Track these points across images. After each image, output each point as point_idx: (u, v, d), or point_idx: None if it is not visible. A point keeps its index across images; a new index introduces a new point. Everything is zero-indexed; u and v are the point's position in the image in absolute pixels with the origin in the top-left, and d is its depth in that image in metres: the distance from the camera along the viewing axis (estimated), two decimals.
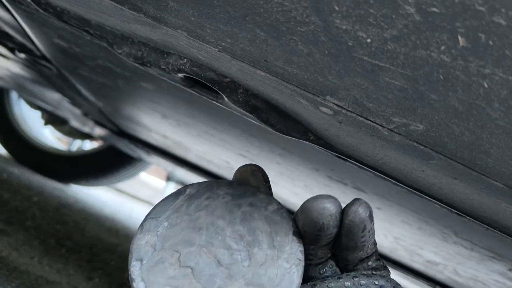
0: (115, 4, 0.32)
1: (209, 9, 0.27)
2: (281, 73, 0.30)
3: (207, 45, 0.31)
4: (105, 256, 1.00)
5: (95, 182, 2.16)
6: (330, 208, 0.35)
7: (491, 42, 0.22)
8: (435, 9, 0.22)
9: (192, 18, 0.29)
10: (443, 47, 0.23)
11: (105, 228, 1.38)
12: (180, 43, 0.34)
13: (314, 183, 0.72)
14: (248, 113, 0.43)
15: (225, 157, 0.89)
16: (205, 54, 0.34)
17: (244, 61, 0.31)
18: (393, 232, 0.80)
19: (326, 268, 0.41)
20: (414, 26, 0.23)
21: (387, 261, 1.23)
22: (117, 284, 0.81)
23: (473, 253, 0.64)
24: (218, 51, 0.31)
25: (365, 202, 0.37)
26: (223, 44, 0.30)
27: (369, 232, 0.38)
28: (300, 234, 0.38)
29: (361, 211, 0.36)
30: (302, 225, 0.37)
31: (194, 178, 1.58)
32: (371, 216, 0.37)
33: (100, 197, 2.29)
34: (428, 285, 1.25)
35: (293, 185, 0.82)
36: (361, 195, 0.63)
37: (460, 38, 0.23)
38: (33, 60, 0.85)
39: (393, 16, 0.23)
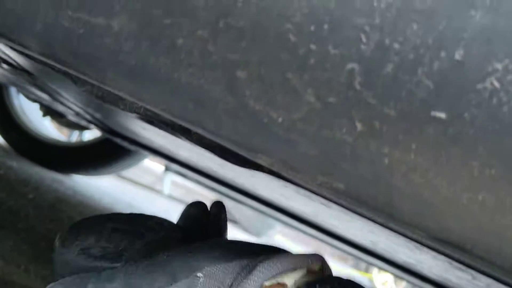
0: (62, 68, 0.34)
1: (142, 83, 0.29)
2: (216, 133, 0.32)
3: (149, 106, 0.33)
4: None
5: (95, 172, 2.20)
6: None
7: (384, 129, 0.24)
8: (332, 99, 0.24)
9: (130, 87, 0.31)
10: (344, 129, 0.25)
11: None
12: (128, 98, 0.36)
13: (289, 194, 0.74)
14: (205, 150, 0.45)
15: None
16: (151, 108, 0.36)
17: (183, 121, 0.33)
18: (368, 237, 0.83)
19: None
20: (316, 112, 0.25)
21: (373, 255, 1.27)
22: None
23: (438, 262, 0.67)
24: (159, 110, 0.34)
25: None
26: (160, 107, 0.32)
27: None
28: None
29: None
30: None
31: (190, 174, 1.60)
32: None
33: (100, 185, 2.33)
34: (415, 278, 1.28)
35: (272, 192, 0.85)
36: (327, 210, 0.66)
37: (357, 124, 0.25)
38: (18, 71, 0.87)
39: (298, 102, 0.25)
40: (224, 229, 0.51)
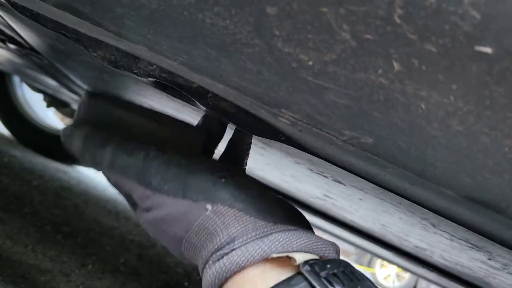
0: (78, 19, 0.32)
1: (162, 29, 0.28)
2: (237, 87, 0.31)
3: (167, 59, 0.32)
4: (102, 241, 1.02)
5: None
6: None
7: (424, 68, 0.23)
8: (369, 36, 0.23)
9: (149, 36, 0.30)
10: (380, 71, 0.24)
11: (105, 211, 1.40)
12: (144, 54, 0.35)
13: (299, 174, 0.73)
14: (220, 116, 0.44)
15: None
16: (167, 65, 0.34)
17: (203, 74, 0.32)
18: (379, 220, 0.81)
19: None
20: (351, 51, 0.24)
21: (380, 243, 1.25)
22: (110, 269, 0.83)
23: (454, 243, 0.65)
24: (178, 64, 0.32)
25: None
26: (180, 59, 0.31)
27: None
28: None
29: None
30: None
31: None
32: None
33: (103, 177, 2.32)
34: (422, 267, 1.27)
35: (281, 174, 0.83)
36: (341, 188, 0.64)
37: (394, 63, 0.23)
38: (24, 51, 0.86)
39: (331, 41, 0.24)
40: (245, 156, 0.48)
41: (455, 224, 0.52)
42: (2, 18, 0.64)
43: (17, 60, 1.11)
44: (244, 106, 0.40)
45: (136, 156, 0.39)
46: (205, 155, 0.47)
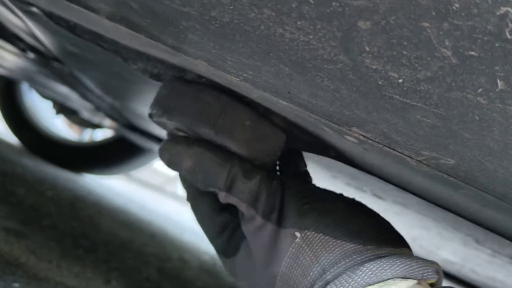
0: (132, 32, 0.31)
1: (231, 44, 0.26)
2: (304, 104, 0.29)
3: (228, 75, 0.30)
4: (122, 254, 1.00)
5: (108, 171, 2.17)
6: None
7: None
8: (473, 53, 0.21)
9: (213, 51, 0.28)
10: (480, 90, 0.22)
11: (118, 222, 1.38)
12: (199, 69, 0.33)
13: (333, 188, 0.71)
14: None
15: None
16: (225, 81, 0.33)
17: (266, 91, 0.30)
18: (412, 233, 0.79)
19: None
20: (450, 68, 0.22)
21: None
22: (135, 285, 0.82)
23: (495, 259, 0.63)
24: (239, 80, 0.30)
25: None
26: (245, 75, 0.29)
27: None
28: None
29: None
30: None
31: None
32: None
33: (112, 186, 2.30)
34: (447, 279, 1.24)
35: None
36: (379, 202, 0.62)
37: (499, 82, 0.21)
38: (44, 60, 0.84)
39: (428, 58, 0.22)
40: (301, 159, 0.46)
41: (505, 242, 0.50)
42: (28, 28, 0.62)
43: (31, 67, 1.10)
44: (298, 122, 0.38)
45: (251, 181, 0.38)
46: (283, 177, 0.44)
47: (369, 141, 0.30)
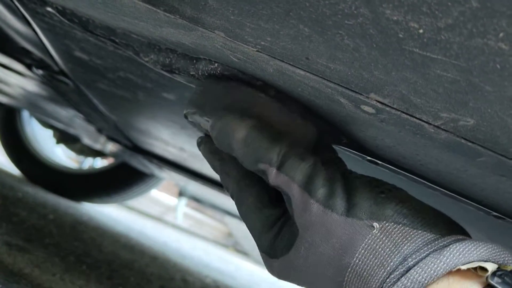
0: (150, 7, 0.31)
1: (251, 6, 0.26)
2: (322, 70, 0.29)
3: (245, 45, 0.31)
4: (124, 272, 0.99)
5: (107, 200, 2.16)
6: None
7: None
8: None
9: (232, 17, 0.28)
10: (501, 34, 0.22)
11: (120, 244, 1.37)
12: (214, 45, 0.34)
13: None
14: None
15: None
16: (241, 55, 0.33)
17: (284, 60, 0.30)
18: None
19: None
20: (471, 13, 0.22)
21: None
22: None
23: None
24: (256, 51, 0.31)
25: None
26: (262, 43, 0.29)
27: None
28: None
29: None
30: None
31: (208, 192, 1.57)
32: None
33: (112, 214, 2.28)
34: None
35: None
36: None
37: None
38: (51, 75, 0.85)
39: (449, 3, 0.22)
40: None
41: None
42: (38, 36, 0.63)
43: (37, 90, 1.10)
44: (308, 104, 0.39)
45: (306, 161, 0.36)
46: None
47: (387, 109, 0.30)
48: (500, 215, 0.44)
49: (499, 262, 0.33)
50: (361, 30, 0.25)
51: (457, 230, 0.36)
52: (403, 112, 0.30)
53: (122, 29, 0.43)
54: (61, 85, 0.89)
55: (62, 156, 2.38)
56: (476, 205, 0.44)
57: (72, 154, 2.38)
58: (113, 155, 1.95)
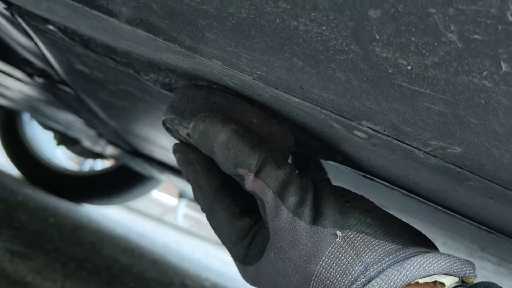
0: (150, 35, 0.32)
1: (247, 40, 0.28)
2: (316, 99, 0.30)
3: (242, 74, 0.32)
4: (124, 278, 1.00)
5: (108, 201, 2.17)
6: None
7: None
8: (477, 36, 0.22)
9: (229, 48, 0.29)
10: (485, 73, 0.23)
11: (120, 248, 1.38)
12: (212, 71, 0.35)
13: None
14: None
15: None
16: (238, 82, 0.34)
17: (279, 88, 0.31)
18: None
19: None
20: (456, 53, 0.23)
21: None
22: None
23: (500, 268, 0.64)
24: (253, 79, 0.32)
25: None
26: (258, 72, 0.30)
27: None
28: None
29: None
30: None
31: None
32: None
33: (112, 216, 2.29)
34: None
35: None
36: None
37: (503, 64, 0.23)
38: (52, 84, 0.86)
39: (435, 43, 0.23)
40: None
41: (511, 247, 0.51)
42: (39, 49, 0.64)
43: (37, 95, 1.11)
44: (304, 126, 0.40)
45: (282, 169, 0.37)
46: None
47: (378, 135, 0.31)
48: (490, 230, 0.45)
49: (460, 275, 0.33)
50: (352, 65, 0.26)
51: (422, 242, 0.36)
52: (394, 139, 0.31)
53: (122, 49, 0.44)
54: (61, 93, 0.90)
55: (62, 158, 2.40)
56: (468, 220, 0.45)
57: (73, 156, 2.39)
58: (113, 157, 1.96)
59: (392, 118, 0.29)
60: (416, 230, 0.38)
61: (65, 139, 2.16)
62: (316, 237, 0.35)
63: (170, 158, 1.18)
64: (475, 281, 0.35)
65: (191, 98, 0.39)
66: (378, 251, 0.34)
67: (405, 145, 0.31)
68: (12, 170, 2.08)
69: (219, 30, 0.28)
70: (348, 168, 0.45)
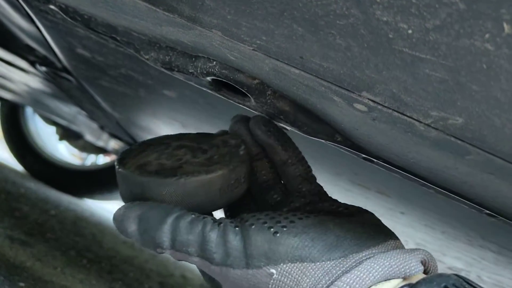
0: (150, 6, 0.32)
1: (247, 6, 0.27)
2: (316, 69, 0.30)
3: (241, 44, 0.31)
4: (124, 268, 1.00)
5: (109, 196, 2.18)
6: None
7: None
8: None
9: (228, 17, 0.29)
10: (487, 35, 0.23)
11: (121, 240, 1.38)
12: (212, 44, 0.35)
13: (334, 189, 0.71)
14: (275, 115, 0.43)
15: None
16: (238, 54, 0.34)
17: (279, 58, 0.31)
18: (415, 238, 0.79)
19: (272, 192, 0.44)
20: (458, 14, 0.23)
21: None
22: None
23: (500, 257, 0.63)
24: (252, 49, 0.31)
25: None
26: (258, 42, 0.30)
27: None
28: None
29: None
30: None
31: None
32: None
33: (113, 210, 2.29)
34: None
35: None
36: (384, 199, 0.63)
37: (505, 25, 0.23)
38: (54, 73, 0.86)
39: (437, 5, 0.23)
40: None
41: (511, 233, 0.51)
42: (41, 33, 0.64)
43: (40, 87, 1.12)
44: (304, 103, 0.40)
45: (194, 232, 0.36)
46: (248, 197, 0.45)
47: (378, 107, 0.31)
48: (492, 213, 0.45)
49: (402, 275, 0.33)
50: (352, 30, 0.26)
51: (365, 244, 0.35)
52: (394, 110, 0.31)
53: (123, 27, 0.44)
54: (64, 82, 0.90)
55: (65, 152, 2.40)
56: (468, 202, 0.45)
57: (75, 150, 2.40)
58: (115, 152, 1.96)
59: (392, 87, 0.29)
60: (368, 223, 0.37)
61: (67, 134, 2.16)
62: (255, 279, 0.35)
63: None
64: (437, 271, 0.35)
65: (119, 181, 0.42)
66: (315, 275, 0.34)
67: (406, 117, 0.31)
68: (14, 164, 2.09)
69: None
70: (348, 149, 0.45)
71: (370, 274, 0.33)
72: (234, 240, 0.36)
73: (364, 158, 0.47)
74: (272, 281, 0.34)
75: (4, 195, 1.22)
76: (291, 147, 0.45)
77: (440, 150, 0.34)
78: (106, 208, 2.13)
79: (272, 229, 0.36)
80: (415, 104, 0.29)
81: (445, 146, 0.33)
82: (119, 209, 0.39)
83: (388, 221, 0.77)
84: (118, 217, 0.38)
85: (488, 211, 0.45)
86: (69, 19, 0.47)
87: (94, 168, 2.26)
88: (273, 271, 0.34)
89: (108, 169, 2.16)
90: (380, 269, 0.33)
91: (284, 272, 0.34)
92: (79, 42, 0.59)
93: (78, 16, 0.47)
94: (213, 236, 0.36)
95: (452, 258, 0.81)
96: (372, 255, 0.35)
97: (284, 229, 0.36)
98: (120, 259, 1.06)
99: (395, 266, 0.33)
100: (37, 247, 0.79)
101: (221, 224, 0.36)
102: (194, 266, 1.57)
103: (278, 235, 0.35)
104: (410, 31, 0.24)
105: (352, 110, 0.34)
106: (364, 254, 0.35)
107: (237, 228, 0.36)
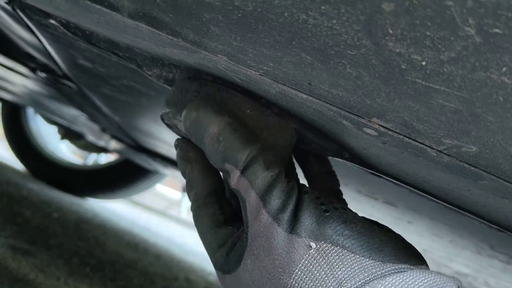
0: (153, 30, 0.31)
1: (253, 34, 0.26)
2: (325, 95, 0.29)
3: (248, 69, 0.31)
4: (128, 273, 0.99)
5: (112, 195, 2.17)
6: None
7: None
8: (497, 30, 0.21)
9: (234, 43, 0.28)
10: (504, 69, 0.22)
11: (124, 242, 1.37)
12: (217, 67, 0.34)
13: (344, 195, 0.70)
14: None
15: None
16: (244, 77, 0.33)
17: (286, 84, 0.30)
18: (422, 244, 0.79)
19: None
20: (474, 47, 0.22)
21: None
22: None
23: (509, 266, 0.63)
24: (259, 75, 0.31)
25: None
26: (265, 68, 0.29)
27: None
28: None
29: None
30: None
31: None
32: None
33: (116, 210, 2.29)
34: None
35: None
36: (391, 210, 0.62)
37: None
38: (54, 79, 0.85)
39: (452, 38, 0.22)
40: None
41: None
42: (42, 44, 0.63)
43: (40, 90, 1.11)
44: (312, 123, 0.39)
45: (270, 171, 0.35)
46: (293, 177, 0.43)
47: (389, 132, 0.30)
48: (501, 229, 0.44)
49: None
50: (363, 60, 0.25)
51: (405, 257, 0.35)
52: (406, 136, 0.30)
53: (125, 44, 0.43)
54: (65, 88, 0.89)
55: (66, 152, 2.39)
56: (478, 219, 0.44)
57: (77, 150, 2.39)
58: (117, 152, 1.95)
59: (404, 115, 0.28)
60: (404, 242, 0.36)
61: (69, 133, 2.16)
62: (291, 247, 0.34)
63: (174, 153, 1.17)
64: None
65: (184, 91, 0.38)
66: (353, 267, 0.33)
67: (417, 143, 0.30)
68: (16, 164, 2.08)
69: (225, 24, 0.27)
70: (356, 165, 0.44)
71: (416, 282, 0.32)
72: (293, 200, 0.35)
73: (371, 173, 0.46)
74: (307, 255, 0.33)
75: (7, 198, 1.21)
76: (324, 160, 0.45)
77: (452, 174, 0.33)
78: (108, 207, 2.13)
79: (324, 206, 0.35)
80: (427, 132, 0.28)
81: (457, 171, 0.32)
82: (202, 102, 0.37)
83: (395, 230, 0.76)
84: (202, 110, 0.37)
85: (498, 227, 0.44)
86: (70, 34, 0.47)
87: (96, 167, 2.25)
88: (313, 244, 0.34)
89: (110, 168, 2.15)
90: (425, 280, 0.32)
91: (322, 251, 0.33)
92: (80, 53, 0.58)
93: (79, 31, 0.46)
94: (283, 185, 0.35)
95: (460, 264, 0.80)
96: (411, 268, 0.34)
97: (335, 211, 0.35)
98: (123, 264, 1.06)
99: (438, 283, 0.32)
100: (39, 256, 0.78)
101: (291, 182, 0.36)
102: (197, 268, 1.56)
103: (327, 214, 0.35)
104: (423, 63, 0.24)
105: (362, 133, 0.33)
106: (402, 266, 0.34)
107: (295, 188, 0.36)
